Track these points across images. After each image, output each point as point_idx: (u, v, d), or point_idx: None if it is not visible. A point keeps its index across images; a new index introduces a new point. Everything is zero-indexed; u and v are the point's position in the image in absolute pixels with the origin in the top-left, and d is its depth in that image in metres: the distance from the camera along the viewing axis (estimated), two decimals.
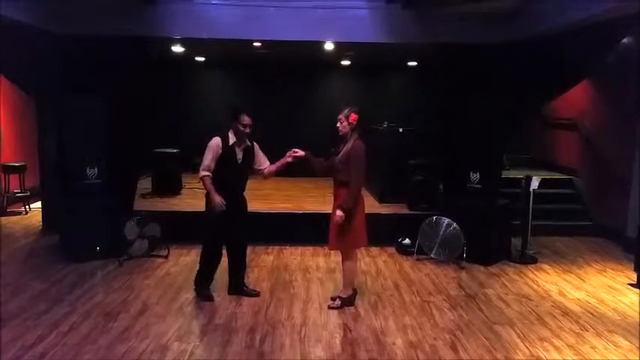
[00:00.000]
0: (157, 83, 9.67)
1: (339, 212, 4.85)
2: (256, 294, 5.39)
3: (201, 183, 5.16)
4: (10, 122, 9.29)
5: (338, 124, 4.95)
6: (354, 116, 4.90)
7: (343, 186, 4.92)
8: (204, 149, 5.08)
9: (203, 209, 5.20)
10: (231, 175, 5.10)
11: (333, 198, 5.14)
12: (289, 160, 5.15)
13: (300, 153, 5.11)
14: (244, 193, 5.30)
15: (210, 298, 5.26)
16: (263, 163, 5.30)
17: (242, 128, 5.02)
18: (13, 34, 6.22)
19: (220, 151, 5.03)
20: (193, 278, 5.44)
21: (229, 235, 5.24)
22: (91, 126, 6.47)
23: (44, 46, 6.75)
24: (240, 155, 5.11)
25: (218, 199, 4.99)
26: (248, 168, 5.24)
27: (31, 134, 8.56)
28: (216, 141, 5.05)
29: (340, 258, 5.35)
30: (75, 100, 6.47)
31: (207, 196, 5.10)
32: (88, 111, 6.47)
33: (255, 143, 5.27)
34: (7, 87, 8.94)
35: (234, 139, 5.07)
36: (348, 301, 5.16)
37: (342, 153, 4.94)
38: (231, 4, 7.10)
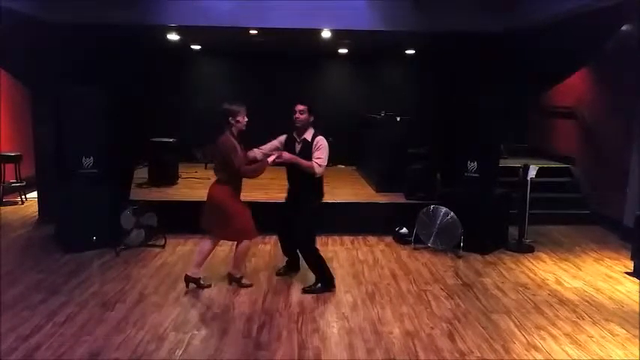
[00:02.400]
0: (153, 72, 9.62)
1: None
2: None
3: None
4: (5, 111, 9.22)
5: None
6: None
7: None
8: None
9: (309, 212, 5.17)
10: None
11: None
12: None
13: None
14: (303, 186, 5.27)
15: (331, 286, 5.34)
16: (314, 157, 5.19)
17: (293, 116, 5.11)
18: (8, 23, 6.15)
19: (282, 143, 5.25)
20: (319, 283, 5.29)
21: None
22: (87, 115, 6.41)
23: (40, 34, 6.69)
24: (297, 148, 5.18)
25: None
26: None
27: (27, 124, 8.50)
28: (285, 135, 5.25)
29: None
30: (71, 89, 6.41)
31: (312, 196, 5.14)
32: (84, 100, 6.40)
33: (317, 139, 5.13)
34: (2, 76, 8.86)
35: (294, 133, 5.20)
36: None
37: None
38: None
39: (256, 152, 5.24)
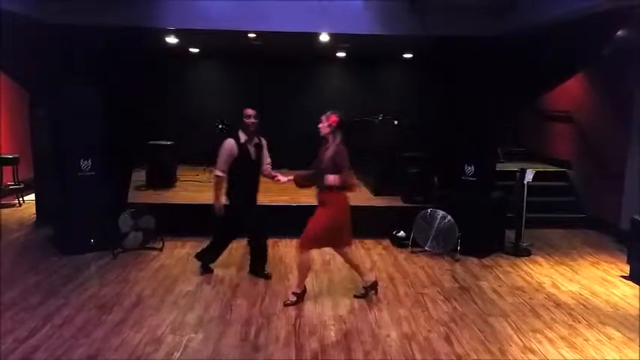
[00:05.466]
0: (151, 74, 9.62)
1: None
2: (268, 276, 5.69)
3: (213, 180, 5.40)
4: (3, 113, 9.21)
5: (319, 125, 4.91)
6: (333, 118, 4.84)
7: (330, 191, 4.83)
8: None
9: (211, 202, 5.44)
10: (247, 173, 5.32)
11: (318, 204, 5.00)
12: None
13: (283, 179, 5.31)
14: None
15: (209, 270, 5.76)
16: (266, 160, 5.50)
17: (246, 120, 5.24)
18: (6, 24, 6.15)
19: (236, 151, 5.24)
20: (199, 252, 5.79)
21: (248, 230, 5.57)
22: (85, 117, 6.41)
23: (38, 36, 6.70)
24: (252, 151, 5.31)
25: (219, 205, 5.36)
26: (260, 165, 5.42)
27: (25, 125, 8.50)
28: (229, 142, 5.26)
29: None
30: (69, 91, 6.42)
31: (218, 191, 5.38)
32: (83, 102, 6.41)
33: (263, 140, 5.44)
34: (0, 78, 8.85)
35: (245, 137, 5.26)
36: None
37: (326, 160, 4.82)
38: None
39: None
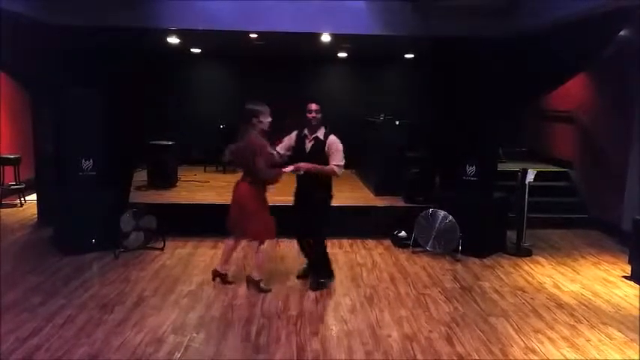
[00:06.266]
0: (152, 75, 9.63)
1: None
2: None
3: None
4: (5, 114, 9.22)
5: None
6: None
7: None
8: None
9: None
10: None
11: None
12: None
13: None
14: (314, 185, 5.25)
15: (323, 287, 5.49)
16: (332, 160, 5.17)
17: (308, 115, 5.21)
18: (8, 25, 6.16)
19: (293, 141, 5.29)
20: (321, 282, 5.50)
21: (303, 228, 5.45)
22: (86, 117, 6.42)
23: (40, 37, 6.70)
24: (308, 146, 5.21)
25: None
26: (316, 160, 5.15)
27: (27, 126, 8.51)
28: (293, 132, 5.36)
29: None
30: (70, 91, 6.43)
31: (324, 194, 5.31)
32: (84, 102, 6.42)
33: (332, 137, 5.21)
34: (1, 78, 8.87)
35: (306, 130, 5.26)
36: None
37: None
38: None
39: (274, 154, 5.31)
